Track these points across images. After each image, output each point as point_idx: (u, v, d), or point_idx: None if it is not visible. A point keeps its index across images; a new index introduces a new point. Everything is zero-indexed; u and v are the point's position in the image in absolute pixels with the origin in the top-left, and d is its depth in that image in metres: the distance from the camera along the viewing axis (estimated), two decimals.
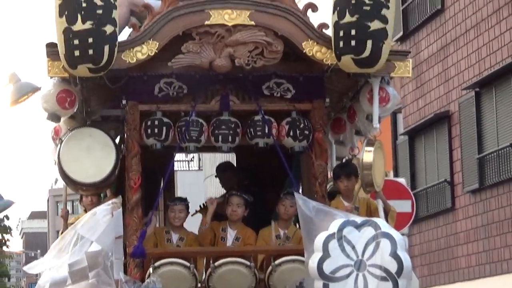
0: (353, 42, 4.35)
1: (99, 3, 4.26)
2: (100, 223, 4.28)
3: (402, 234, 5.38)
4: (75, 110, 4.75)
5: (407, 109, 13.75)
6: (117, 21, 4.36)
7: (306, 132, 4.75)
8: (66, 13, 4.22)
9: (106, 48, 4.31)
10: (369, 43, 4.35)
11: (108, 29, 4.30)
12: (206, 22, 4.54)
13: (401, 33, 13.50)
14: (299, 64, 4.74)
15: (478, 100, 11.80)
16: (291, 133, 4.74)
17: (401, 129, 14.33)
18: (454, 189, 12.48)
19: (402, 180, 9.25)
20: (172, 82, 4.70)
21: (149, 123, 4.69)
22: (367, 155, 4.61)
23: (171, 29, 4.54)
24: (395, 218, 5.08)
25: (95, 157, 4.70)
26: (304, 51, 4.51)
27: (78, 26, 4.23)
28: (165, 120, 4.70)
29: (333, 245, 3.98)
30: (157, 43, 4.52)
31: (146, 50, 4.51)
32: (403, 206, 7.61)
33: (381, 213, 4.74)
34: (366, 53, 4.37)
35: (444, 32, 12.73)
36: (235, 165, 6.18)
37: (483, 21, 11.56)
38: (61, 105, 4.62)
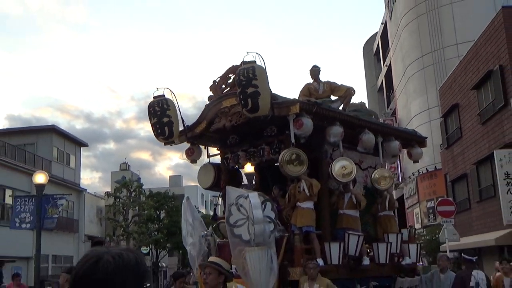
0: (242, 102, 7.18)
1: (157, 108, 8.18)
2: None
3: None
4: (199, 154, 9.62)
5: None
6: (171, 115, 8.23)
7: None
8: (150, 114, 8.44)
9: (166, 128, 8.21)
10: (249, 100, 7.04)
11: (165, 119, 8.15)
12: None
13: None
14: None
15: None
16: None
17: None
18: None
19: None
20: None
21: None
22: None
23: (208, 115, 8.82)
24: None
25: (206, 175, 9.52)
26: None
27: (152, 120, 8.33)
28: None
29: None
30: (206, 122, 8.84)
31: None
32: None
33: None
34: (249, 106, 7.12)
35: None
36: None
37: None
38: (187, 155, 9.46)
